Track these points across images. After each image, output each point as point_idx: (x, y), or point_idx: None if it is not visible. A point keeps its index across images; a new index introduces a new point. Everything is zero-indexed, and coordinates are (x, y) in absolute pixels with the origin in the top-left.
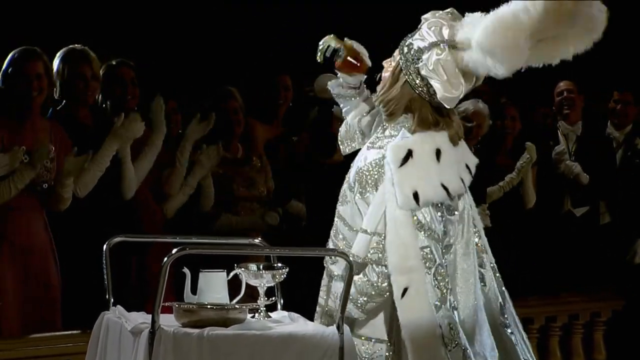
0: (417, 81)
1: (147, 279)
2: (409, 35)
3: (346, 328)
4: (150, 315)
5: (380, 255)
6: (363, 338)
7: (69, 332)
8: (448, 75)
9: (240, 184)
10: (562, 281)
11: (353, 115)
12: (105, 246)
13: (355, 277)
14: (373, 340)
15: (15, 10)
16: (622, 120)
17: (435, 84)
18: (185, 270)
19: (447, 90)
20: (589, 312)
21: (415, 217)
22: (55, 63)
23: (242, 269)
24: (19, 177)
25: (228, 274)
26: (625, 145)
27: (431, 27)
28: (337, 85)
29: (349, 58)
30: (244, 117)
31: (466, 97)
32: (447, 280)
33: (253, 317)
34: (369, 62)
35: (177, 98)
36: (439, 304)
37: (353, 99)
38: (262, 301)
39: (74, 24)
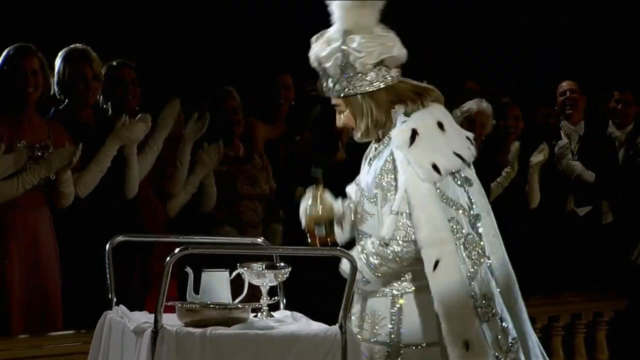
0: (371, 78)
1: (150, 278)
2: (323, 74)
3: (349, 327)
4: (152, 315)
5: (404, 231)
6: (410, 346)
7: (72, 331)
8: (374, 41)
9: (243, 182)
10: (564, 281)
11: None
12: (107, 246)
13: (370, 239)
14: (420, 346)
15: (18, 8)
16: (623, 119)
17: (382, 55)
18: (188, 269)
19: (388, 47)
20: (592, 312)
21: (438, 189)
22: (57, 62)
23: (245, 268)
24: (29, 176)
25: (231, 274)
26: (627, 145)
27: (322, 49)
28: None
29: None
30: (243, 116)
31: (470, 97)
32: (478, 249)
33: (256, 316)
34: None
35: (181, 98)
36: (471, 274)
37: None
38: (264, 300)
39: (76, 23)
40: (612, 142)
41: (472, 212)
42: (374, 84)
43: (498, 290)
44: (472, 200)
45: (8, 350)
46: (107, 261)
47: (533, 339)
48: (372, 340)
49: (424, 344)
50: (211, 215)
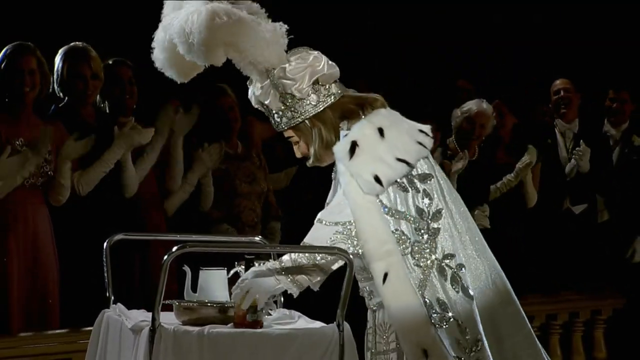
0: (312, 100)
1: (150, 276)
2: (269, 113)
3: (346, 325)
4: (150, 313)
5: (343, 244)
6: (380, 354)
7: (69, 329)
8: (300, 64)
9: (242, 180)
10: (562, 279)
11: None
12: (105, 244)
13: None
14: (388, 352)
15: (17, 7)
16: (619, 118)
17: (314, 76)
18: (186, 268)
19: (316, 67)
20: (590, 310)
21: (379, 201)
22: (56, 61)
23: (243, 266)
24: (25, 164)
25: (228, 272)
26: (622, 143)
27: (257, 90)
28: None
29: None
30: (239, 113)
31: (470, 98)
32: (427, 253)
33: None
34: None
35: (180, 97)
36: (421, 282)
37: None
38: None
39: (75, 21)
40: (607, 140)
41: (429, 211)
42: (319, 105)
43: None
44: (430, 197)
45: (7, 349)
46: (104, 259)
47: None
48: (386, 351)
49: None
50: (209, 213)
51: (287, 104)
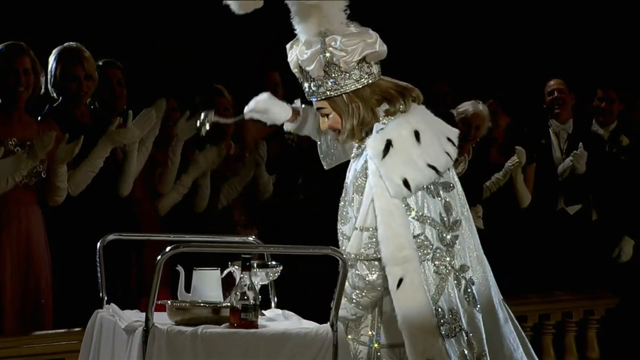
0: (355, 76)
1: (144, 276)
2: (306, 79)
3: (340, 325)
4: (144, 314)
5: (373, 249)
6: (387, 347)
7: (63, 330)
8: (355, 38)
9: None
10: (555, 279)
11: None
12: (99, 244)
13: (348, 274)
14: (399, 346)
15: (9, 6)
16: (607, 118)
17: (365, 52)
18: (179, 268)
19: (369, 43)
20: (583, 310)
21: (407, 204)
22: (50, 61)
23: (236, 267)
24: (20, 167)
25: (222, 272)
26: (611, 143)
27: (302, 53)
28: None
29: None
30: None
31: (466, 99)
32: (447, 261)
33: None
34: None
35: (173, 97)
36: (438, 290)
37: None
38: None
39: (68, 21)
40: (601, 140)
41: (449, 219)
42: (360, 82)
43: (478, 306)
44: (451, 206)
45: (0, 349)
46: (98, 260)
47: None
48: (355, 340)
49: (401, 344)
50: (233, 217)
51: (330, 74)
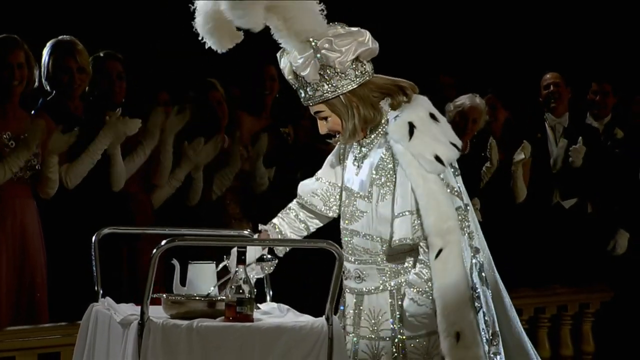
0: (350, 76)
1: (138, 270)
2: (301, 85)
3: (335, 319)
4: (139, 307)
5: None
6: (413, 338)
7: (58, 324)
8: (346, 38)
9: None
10: (551, 273)
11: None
12: (94, 238)
13: (413, 270)
14: (425, 335)
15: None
16: (602, 111)
17: (358, 50)
18: (175, 261)
19: (361, 42)
20: (578, 304)
21: (443, 179)
22: (44, 54)
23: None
24: (13, 160)
25: (217, 266)
26: (605, 136)
27: (296, 59)
28: None
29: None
30: (228, 108)
31: (463, 92)
32: (475, 240)
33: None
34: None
35: (169, 90)
36: (472, 265)
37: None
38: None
39: (64, 14)
40: (597, 133)
41: (465, 201)
42: (356, 81)
43: (485, 278)
44: (462, 190)
45: None
46: (93, 253)
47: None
48: (374, 337)
49: (427, 334)
50: (195, 207)
51: (326, 76)
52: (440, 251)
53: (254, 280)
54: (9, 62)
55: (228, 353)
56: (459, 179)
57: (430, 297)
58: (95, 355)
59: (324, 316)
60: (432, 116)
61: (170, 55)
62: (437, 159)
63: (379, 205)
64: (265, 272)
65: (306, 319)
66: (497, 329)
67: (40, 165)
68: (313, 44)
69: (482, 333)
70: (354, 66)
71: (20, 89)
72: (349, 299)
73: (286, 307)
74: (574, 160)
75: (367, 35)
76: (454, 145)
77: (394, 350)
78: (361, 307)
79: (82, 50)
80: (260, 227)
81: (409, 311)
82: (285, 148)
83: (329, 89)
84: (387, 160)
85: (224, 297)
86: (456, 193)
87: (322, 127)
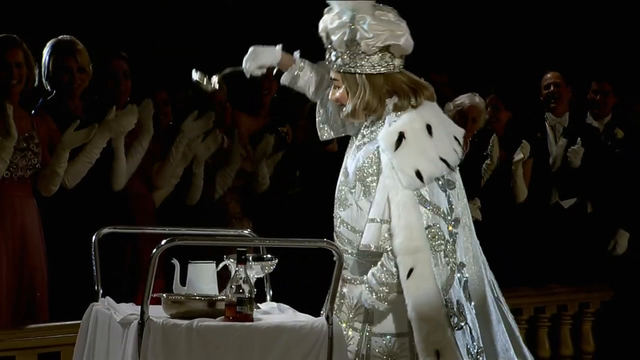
0: (373, 61)
1: (139, 269)
2: (329, 46)
3: (335, 319)
4: (139, 307)
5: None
6: (379, 335)
7: (58, 323)
8: (384, 25)
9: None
10: (551, 272)
11: (317, 93)
12: (94, 237)
13: (374, 269)
14: (389, 336)
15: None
16: (602, 110)
17: (388, 41)
18: (175, 261)
19: (396, 35)
20: (578, 303)
21: (420, 195)
22: (44, 54)
23: (232, 260)
24: (1, 148)
25: (217, 265)
26: (605, 136)
27: (332, 21)
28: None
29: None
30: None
31: (463, 91)
32: (456, 256)
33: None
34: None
35: (168, 89)
36: (449, 281)
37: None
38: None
39: (67, 14)
40: (597, 133)
41: (450, 217)
42: (375, 68)
43: (468, 295)
44: (452, 204)
45: None
46: (93, 253)
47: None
48: (348, 324)
49: (393, 335)
50: (228, 207)
51: (350, 49)
52: (411, 270)
53: (254, 279)
54: (7, 61)
55: (228, 352)
56: (453, 192)
57: (381, 300)
58: (95, 355)
59: (323, 315)
60: (429, 128)
61: (169, 54)
62: (418, 174)
63: (360, 201)
64: (265, 271)
65: (306, 318)
66: (481, 344)
67: (40, 164)
68: (353, 14)
69: (469, 348)
70: (381, 54)
71: (19, 88)
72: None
73: (286, 306)
74: (572, 161)
75: (405, 31)
76: (444, 161)
77: (361, 342)
78: (345, 294)
79: (82, 50)
80: (296, 53)
81: (364, 299)
82: (283, 147)
83: (349, 63)
84: (373, 163)
85: (223, 297)
86: (435, 210)
87: (333, 94)
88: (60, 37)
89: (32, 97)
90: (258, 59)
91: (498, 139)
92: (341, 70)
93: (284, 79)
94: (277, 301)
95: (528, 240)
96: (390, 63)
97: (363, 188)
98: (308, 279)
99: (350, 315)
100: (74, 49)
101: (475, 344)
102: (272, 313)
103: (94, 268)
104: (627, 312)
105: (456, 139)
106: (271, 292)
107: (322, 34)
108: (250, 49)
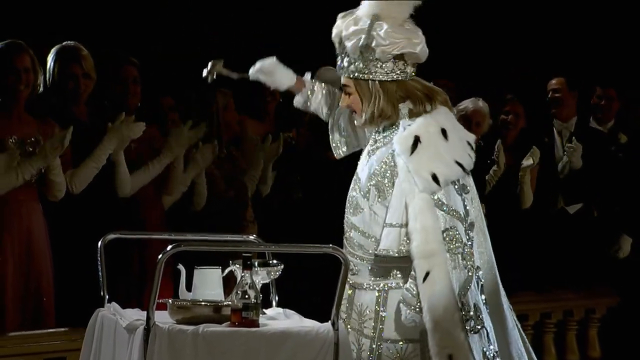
0: (387, 68)
1: (146, 275)
2: (342, 52)
3: (341, 324)
4: (145, 312)
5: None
6: (389, 341)
7: (64, 329)
8: (401, 33)
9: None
10: (557, 278)
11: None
12: (99, 243)
13: (407, 285)
14: (400, 342)
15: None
16: (606, 115)
17: (405, 49)
18: (180, 267)
19: (413, 43)
20: (584, 309)
21: (437, 198)
22: (49, 60)
23: (237, 265)
24: (27, 166)
25: (223, 271)
26: (609, 140)
27: (348, 27)
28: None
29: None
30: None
31: (466, 96)
32: (473, 259)
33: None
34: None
35: (174, 96)
36: (467, 284)
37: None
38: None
39: (74, 19)
40: (602, 136)
41: (467, 220)
42: (390, 75)
43: (484, 299)
44: (467, 209)
45: (0, 348)
46: (99, 258)
47: (518, 344)
48: (360, 331)
49: (404, 340)
50: (242, 216)
51: (364, 56)
52: (427, 274)
53: (260, 285)
54: (16, 67)
55: (233, 358)
56: (468, 196)
57: (419, 312)
58: None
59: (329, 321)
60: (443, 132)
61: (172, 58)
62: (434, 177)
63: (374, 206)
64: (271, 277)
65: (312, 324)
66: (497, 348)
67: (44, 169)
68: (371, 21)
69: (485, 351)
70: (395, 61)
71: (26, 93)
72: (347, 288)
73: (292, 312)
74: (571, 159)
75: (422, 40)
76: (459, 164)
77: (372, 348)
78: (353, 300)
79: (87, 56)
80: (306, 75)
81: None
82: (287, 152)
83: (363, 69)
84: (388, 168)
85: (229, 303)
86: (453, 213)
87: (343, 101)
88: (64, 43)
89: (37, 102)
90: (274, 78)
91: (507, 145)
92: (354, 77)
93: (297, 103)
94: (282, 307)
95: (534, 245)
96: (404, 70)
97: (378, 193)
98: (314, 284)
99: (360, 322)
100: (78, 55)
101: (492, 347)
102: (278, 319)
103: (100, 274)
104: (634, 317)
105: (469, 144)
106: (277, 298)
107: (335, 39)
108: (269, 61)
